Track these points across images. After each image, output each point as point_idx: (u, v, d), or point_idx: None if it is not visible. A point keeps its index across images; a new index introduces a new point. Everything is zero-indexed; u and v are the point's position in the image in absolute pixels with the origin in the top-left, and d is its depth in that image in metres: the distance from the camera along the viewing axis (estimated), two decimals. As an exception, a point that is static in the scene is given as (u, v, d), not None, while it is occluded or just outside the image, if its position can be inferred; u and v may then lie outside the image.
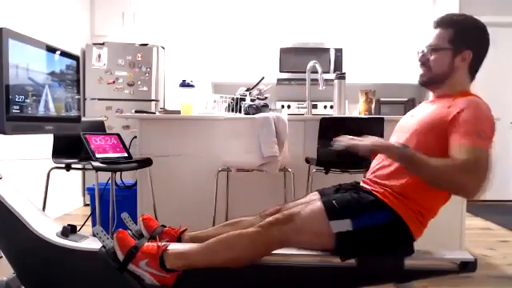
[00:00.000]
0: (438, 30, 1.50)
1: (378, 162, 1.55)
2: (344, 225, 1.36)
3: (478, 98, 1.42)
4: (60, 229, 1.57)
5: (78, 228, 1.63)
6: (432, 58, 1.49)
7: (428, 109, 1.49)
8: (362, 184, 1.59)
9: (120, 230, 1.50)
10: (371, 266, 1.44)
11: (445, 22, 1.50)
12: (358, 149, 1.43)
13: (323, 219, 1.38)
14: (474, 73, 1.51)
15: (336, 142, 1.50)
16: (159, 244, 1.46)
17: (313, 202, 1.48)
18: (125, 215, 1.75)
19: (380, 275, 1.46)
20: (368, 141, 1.44)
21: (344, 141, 1.49)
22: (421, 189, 1.38)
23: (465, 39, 1.45)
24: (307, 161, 2.39)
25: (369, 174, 1.58)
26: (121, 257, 1.42)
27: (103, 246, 1.47)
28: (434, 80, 1.51)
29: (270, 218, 1.42)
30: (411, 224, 1.39)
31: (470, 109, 1.35)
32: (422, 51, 1.54)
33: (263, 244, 1.39)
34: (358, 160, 1.58)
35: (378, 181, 1.48)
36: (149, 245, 1.46)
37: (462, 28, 1.47)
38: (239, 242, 1.40)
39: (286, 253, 1.49)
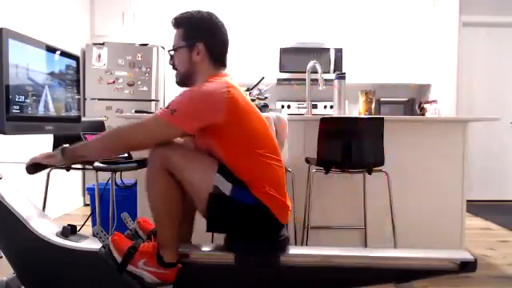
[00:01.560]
0: (175, 31, 1.57)
1: None
2: (225, 186, 1.39)
3: (214, 82, 1.45)
4: (60, 229, 1.57)
5: (78, 228, 1.63)
6: (176, 58, 1.57)
7: None
8: None
9: (116, 232, 1.51)
10: (244, 252, 1.46)
11: (176, 22, 1.57)
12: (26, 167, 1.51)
13: (211, 167, 1.41)
14: (218, 59, 1.56)
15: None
16: (154, 243, 1.47)
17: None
18: (125, 215, 1.75)
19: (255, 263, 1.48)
20: (38, 156, 1.52)
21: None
22: (240, 168, 1.41)
23: (193, 33, 1.52)
24: (307, 161, 2.39)
25: None
26: (118, 259, 1.43)
27: (103, 246, 1.47)
28: (183, 79, 1.57)
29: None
30: (272, 206, 1.41)
31: (185, 91, 1.43)
32: (170, 53, 1.60)
33: (161, 171, 1.41)
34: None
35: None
36: (145, 245, 1.48)
37: (188, 24, 1.54)
38: (151, 187, 1.44)
39: (287, 253, 1.49)
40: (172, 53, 1.58)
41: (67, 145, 1.49)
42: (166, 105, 1.42)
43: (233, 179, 1.40)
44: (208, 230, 1.47)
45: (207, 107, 1.38)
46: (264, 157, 1.44)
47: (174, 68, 1.59)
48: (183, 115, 1.37)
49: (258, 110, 1.57)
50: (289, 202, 1.49)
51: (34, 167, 1.50)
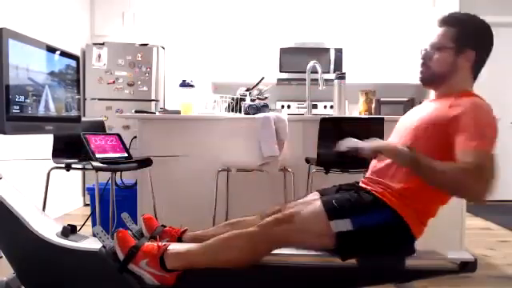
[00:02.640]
0: (442, 29, 1.48)
1: (377, 161, 1.55)
2: (344, 224, 1.36)
3: (480, 99, 1.41)
4: (60, 229, 1.57)
5: (78, 228, 1.63)
6: (434, 56, 1.47)
7: (429, 107, 1.49)
8: (361, 184, 1.59)
9: (120, 229, 1.50)
10: (372, 266, 1.44)
11: (450, 21, 1.48)
12: (363, 150, 1.44)
13: (323, 219, 1.37)
14: (476, 73, 1.50)
15: (339, 144, 1.49)
16: (159, 244, 1.46)
17: (313, 202, 1.48)
18: (125, 215, 1.75)
19: (381, 275, 1.46)
20: (372, 143, 1.44)
21: (347, 143, 1.48)
22: (421, 189, 1.37)
23: (469, 39, 1.43)
24: (307, 161, 2.39)
25: (368, 174, 1.58)
26: (121, 256, 1.42)
27: (103, 246, 1.47)
28: (434, 79, 1.49)
29: (270, 218, 1.42)
30: (411, 223, 1.39)
31: (473, 110, 1.33)
32: (425, 49, 1.52)
33: (263, 244, 1.39)
34: (357, 161, 1.58)
35: (378, 180, 1.48)
36: (149, 244, 1.46)
37: (466, 28, 1.46)
38: (239, 242, 1.40)
39: (287, 253, 1.49)
40: (428, 48, 1.50)
41: (406, 149, 1.36)
42: (467, 135, 1.30)
43: (352, 207, 1.38)
44: (342, 260, 1.42)
45: (495, 130, 1.38)
46: (445, 195, 1.45)
47: (427, 65, 1.49)
48: (490, 139, 1.35)
49: None
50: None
51: (374, 152, 1.44)
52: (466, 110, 1.34)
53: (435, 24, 1.52)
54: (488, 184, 1.30)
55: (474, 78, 1.51)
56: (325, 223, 1.37)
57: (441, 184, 1.32)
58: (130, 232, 1.68)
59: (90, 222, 2.61)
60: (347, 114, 3.24)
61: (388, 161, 1.47)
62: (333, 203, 1.41)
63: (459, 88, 1.46)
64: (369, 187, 1.49)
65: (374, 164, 1.57)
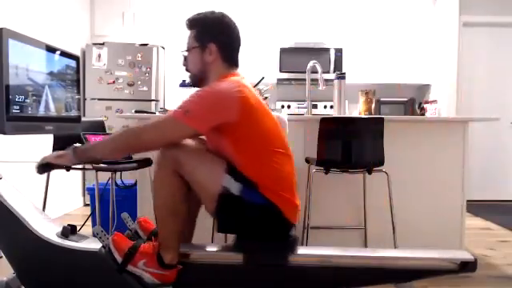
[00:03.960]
0: (188, 32, 1.58)
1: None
2: (234, 186, 1.39)
3: (226, 81, 1.46)
4: (60, 229, 1.57)
5: (78, 228, 1.63)
6: (188, 59, 1.59)
7: None
8: None
9: (116, 232, 1.51)
10: (253, 252, 1.46)
11: (189, 24, 1.58)
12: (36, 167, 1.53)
13: (219, 168, 1.41)
14: (230, 60, 1.56)
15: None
16: (155, 243, 1.47)
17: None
18: (125, 215, 1.75)
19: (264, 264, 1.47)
20: (48, 156, 1.53)
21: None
22: (249, 168, 1.41)
23: (206, 34, 1.53)
24: (307, 161, 2.39)
25: None
26: (119, 259, 1.43)
27: (103, 246, 1.47)
28: (196, 79, 1.59)
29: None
30: (282, 206, 1.41)
31: (198, 91, 1.44)
32: (183, 55, 1.62)
33: (169, 172, 1.42)
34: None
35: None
36: (145, 245, 1.48)
37: (201, 25, 1.55)
38: (158, 188, 1.45)
39: (287, 253, 1.50)
40: (185, 54, 1.59)
41: (78, 144, 1.49)
42: (179, 105, 1.41)
43: (242, 179, 1.40)
44: (219, 231, 1.47)
45: (219, 106, 1.39)
46: (275, 156, 1.44)
47: (187, 69, 1.60)
48: (196, 115, 1.38)
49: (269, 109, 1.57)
50: (298, 202, 1.49)
51: (44, 167, 1.51)
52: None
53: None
54: (150, 141, 1.42)
55: (231, 64, 1.57)
56: (220, 173, 1.40)
57: (122, 145, 1.44)
58: (129, 232, 1.69)
59: (90, 222, 2.61)
60: (347, 114, 3.24)
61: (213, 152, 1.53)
62: (235, 166, 1.42)
63: (217, 77, 1.52)
64: None
65: None
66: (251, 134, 1.42)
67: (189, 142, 1.49)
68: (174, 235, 1.45)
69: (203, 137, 1.58)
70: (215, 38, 1.53)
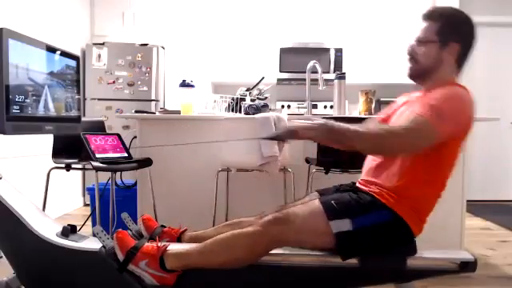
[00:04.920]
0: (426, 23, 1.49)
1: (370, 162, 1.55)
2: (343, 224, 1.36)
3: (459, 88, 1.41)
4: (60, 229, 1.57)
5: (78, 228, 1.63)
6: (419, 50, 1.49)
7: (416, 100, 1.50)
8: (358, 185, 1.59)
9: (120, 230, 1.50)
10: (373, 266, 1.44)
11: (433, 15, 1.49)
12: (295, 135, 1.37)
13: (322, 219, 1.37)
14: (460, 66, 1.51)
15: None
16: (159, 244, 1.46)
17: (312, 202, 1.48)
18: (125, 215, 1.75)
19: (382, 275, 1.46)
20: (296, 124, 1.37)
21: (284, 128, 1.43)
22: (414, 185, 1.39)
23: (452, 32, 1.44)
24: (307, 161, 2.39)
25: (363, 175, 1.58)
26: (121, 257, 1.43)
27: (103, 246, 1.47)
28: (421, 73, 1.50)
29: (269, 217, 1.41)
30: (410, 221, 1.39)
31: (442, 90, 1.36)
32: (411, 44, 1.53)
33: (261, 244, 1.39)
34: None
35: (373, 181, 1.48)
36: (148, 245, 1.46)
37: (449, 21, 1.46)
38: (237, 242, 1.40)
39: (286, 253, 1.49)
40: (413, 42, 1.51)
41: (333, 122, 1.32)
42: (425, 107, 1.31)
43: (352, 208, 1.37)
44: (343, 260, 1.41)
45: (465, 116, 1.34)
46: (441, 186, 1.45)
47: (414, 59, 1.51)
48: (447, 122, 1.30)
49: None
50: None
51: (291, 135, 1.36)
52: (435, 91, 1.38)
53: (420, 18, 1.52)
54: (406, 148, 1.33)
55: (459, 71, 1.51)
56: (324, 223, 1.37)
57: (370, 145, 1.34)
58: (129, 232, 1.69)
59: (90, 222, 2.61)
60: (347, 114, 3.24)
61: (379, 160, 1.49)
62: (332, 203, 1.40)
63: (445, 81, 1.46)
64: (366, 188, 1.49)
65: (367, 165, 1.57)
66: (449, 157, 1.39)
67: (288, 211, 1.43)
68: (200, 265, 1.42)
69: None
70: (460, 39, 1.44)
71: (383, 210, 1.38)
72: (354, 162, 2.20)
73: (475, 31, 1.47)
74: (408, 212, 1.39)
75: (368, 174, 1.54)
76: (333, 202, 1.41)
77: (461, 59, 1.48)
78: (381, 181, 1.44)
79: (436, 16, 1.47)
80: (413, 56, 1.51)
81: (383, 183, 1.43)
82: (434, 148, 1.33)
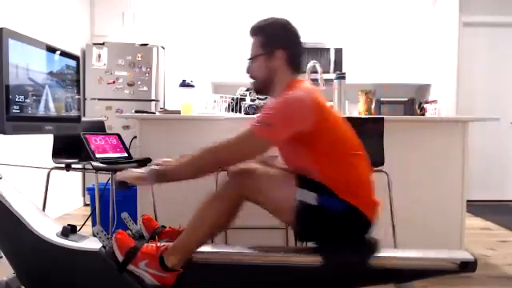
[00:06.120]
0: (252, 40, 1.58)
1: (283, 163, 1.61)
2: (309, 197, 1.38)
3: (297, 90, 1.46)
4: (60, 229, 1.57)
5: (78, 228, 1.63)
6: (253, 67, 1.57)
7: None
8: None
9: (119, 230, 1.50)
10: (334, 254, 1.45)
11: (254, 31, 1.57)
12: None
13: (289, 184, 1.41)
14: (296, 65, 1.58)
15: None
16: (158, 244, 1.46)
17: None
18: (125, 215, 1.75)
19: (345, 269, 1.47)
20: (128, 174, 1.47)
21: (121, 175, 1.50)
22: (333, 172, 1.42)
23: (273, 41, 1.53)
24: (307, 161, 2.39)
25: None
26: (120, 258, 1.43)
27: (103, 246, 1.47)
28: (261, 87, 1.59)
29: (235, 169, 1.45)
30: (362, 207, 1.41)
31: (274, 102, 1.44)
32: (247, 63, 1.60)
33: (230, 196, 1.43)
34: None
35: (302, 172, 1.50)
36: (148, 245, 1.47)
37: (266, 32, 1.55)
38: (211, 202, 1.44)
39: (285, 254, 1.49)
40: (249, 61, 1.59)
41: (156, 167, 1.47)
42: (256, 119, 1.41)
43: (318, 187, 1.40)
44: (299, 240, 1.47)
45: (298, 115, 1.39)
46: (352, 158, 1.45)
47: (252, 76, 1.60)
48: (277, 127, 1.38)
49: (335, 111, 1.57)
50: (377, 199, 1.49)
51: (124, 185, 1.49)
52: (276, 99, 1.47)
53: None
54: (236, 157, 1.42)
55: (295, 71, 1.58)
56: (291, 188, 1.40)
57: (199, 168, 1.44)
58: (129, 232, 1.69)
59: (90, 222, 2.61)
60: (347, 114, 3.24)
61: (288, 160, 1.55)
62: (305, 176, 1.43)
63: (284, 85, 1.52)
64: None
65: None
66: (328, 139, 1.43)
67: (256, 165, 1.48)
68: (194, 246, 1.45)
69: (269, 155, 1.58)
70: (282, 45, 1.53)
71: (336, 198, 1.40)
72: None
73: (295, 31, 1.58)
74: (353, 197, 1.40)
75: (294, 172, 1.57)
76: (305, 176, 1.44)
77: (291, 61, 1.56)
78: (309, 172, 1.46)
79: (257, 31, 1.57)
80: (250, 73, 1.59)
81: (313, 172, 1.45)
82: (301, 141, 1.41)
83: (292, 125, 1.39)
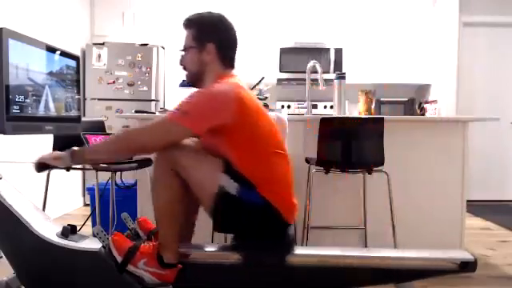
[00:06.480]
0: (186, 32, 1.60)
1: None
2: (231, 185, 1.39)
3: (224, 83, 1.47)
4: (60, 229, 1.57)
5: (78, 228, 1.63)
6: (186, 58, 1.60)
7: None
8: None
9: (115, 232, 1.51)
10: (251, 251, 1.46)
11: (187, 23, 1.60)
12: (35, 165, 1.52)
13: (216, 167, 1.42)
14: (227, 60, 1.58)
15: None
16: (155, 243, 1.47)
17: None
18: (125, 215, 1.75)
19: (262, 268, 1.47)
20: (45, 156, 1.52)
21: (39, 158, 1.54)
22: (248, 169, 1.42)
23: (204, 34, 1.55)
24: (307, 161, 2.39)
25: None
26: (119, 259, 1.44)
27: (103, 246, 1.47)
28: (193, 78, 1.60)
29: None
30: (279, 206, 1.41)
31: (194, 93, 1.45)
32: (181, 54, 1.62)
33: (167, 174, 1.43)
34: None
35: None
36: (145, 245, 1.49)
37: (199, 25, 1.57)
38: (158, 192, 1.46)
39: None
40: (183, 53, 1.61)
41: (76, 147, 1.49)
42: (176, 106, 1.42)
43: (240, 179, 1.41)
44: (215, 230, 1.48)
45: (217, 108, 1.40)
46: (272, 156, 1.46)
47: (184, 68, 1.61)
48: (193, 116, 1.38)
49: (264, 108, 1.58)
50: (295, 201, 1.49)
51: (41, 166, 1.51)
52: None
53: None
54: (148, 142, 1.42)
55: (227, 65, 1.58)
56: (216, 171, 1.41)
57: (112, 151, 1.45)
58: (130, 232, 1.69)
59: (90, 222, 2.61)
60: (347, 114, 3.24)
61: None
62: (233, 167, 1.43)
63: (214, 78, 1.53)
64: None
65: None
66: (247, 135, 1.43)
67: (186, 141, 1.49)
68: (173, 234, 1.46)
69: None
70: (213, 39, 1.54)
71: (255, 192, 1.40)
72: (354, 161, 2.21)
73: (225, 25, 1.58)
74: (271, 194, 1.41)
75: None
76: (234, 166, 1.44)
77: (223, 55, 1.56)
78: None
79: (190, 24, 1.59)
80: (183, 65, 1.61)
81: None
82: (221, 134, 1.42)
83: (209, 116, 1.39)
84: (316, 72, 2.85)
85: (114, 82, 4.19)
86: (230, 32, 1.58)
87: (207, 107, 1.39)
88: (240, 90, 1.44)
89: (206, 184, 1.41)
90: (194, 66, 1.57)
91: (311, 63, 2.87)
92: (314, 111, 4.45)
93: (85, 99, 4.17)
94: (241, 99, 1.42)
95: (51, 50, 1.73)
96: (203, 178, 1.42)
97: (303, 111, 4.44)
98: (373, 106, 2.92)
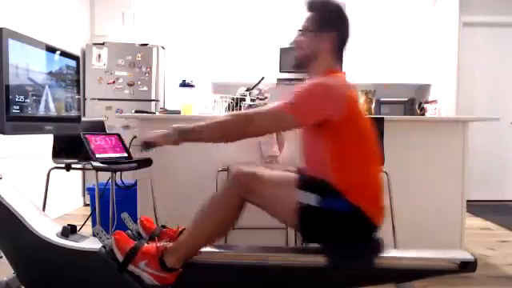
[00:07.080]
0: (307, 14, 1.56)
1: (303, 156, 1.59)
2: (310, 198, 1.37)
3: (333, 78, 1.45)
4: (60, 229, 1.57)
5: (78, 228, 1.63)
6: (301, 39, 1.55)
7: None
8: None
9: (118, 231, 1.50)
10: (339, 255, 1.44)
11: (311, 5, 1.56)
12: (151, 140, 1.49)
13: (291, 186, 1.39)
14: (339, 53, 1.56)
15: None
16: (158, 245, 1.46)
17: (288, 173, 1.51)
18: (125, 215, 1.75)
19: (348, 270, 1.46)
20: (152, 134, 1.49)
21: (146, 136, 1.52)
22: (346, 172, 1.40)
23: (329, 21, 1.52)
24: (307, 161, 2.39)
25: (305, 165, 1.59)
26: (120, 258, 1.43)
27: (103, 246, 1.47)
28: (303, 61, 1.55)
29: (235, 171, 1.44)
30: (368, 210, 1.38)
31: (308, 84, 1.41)
32: (296, 34, 1.58)
33: (234, 197, 1.41)
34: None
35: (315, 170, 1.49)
36: (148, 246, 1.47)
37: (325, 10, 1.53)
38: (214, 202, 1.43)
39: (283, 254, 1.49)
40: (298, 32, 1.56)
41: (178, 125, 1.47)
42: (288, 97, 1.39)
43: (321, 188, 1.38)
44: (305, 241, 1.46)
45: (327, 102, 1.37)
46: (368, 159, 1.44)
47: (296, 48, 1.56)
48: (304, 108, 1.37)
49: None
50: (383, 204, 1.46)
51: (148, 145, 1.49)
52: (308, 82, 1.43)
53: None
54: (255, 130, 1.41)
55: (338, 58, 1.56)
56: (291, 190, 1.38)
57: (221, 133, 1.44)
58: (130, 232, 1.69)
59: (90, 222, 2.61)
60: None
61: (307, 154, 1.53)
62: (307, 177, 1.43)
63: (324, 69, 1.51)
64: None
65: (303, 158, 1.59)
66: (351, 135, 1.41)
67: (257, 168, 1.46)
68: (195, 249, 1.45)
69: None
70: (337, 28, 1.51)
71: (343, 199, 1.38)
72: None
73: (348, 20, 1.55)
74: (362, 200, 1.38)
75: (308, 167, 1.55)
76: (308, 177, 1.43)
77: (338, 47, 1.54)
78: (322, 175, 1.44)
79: (316, 7, 1.55)
80: (296, 44, 1.56)
81: (327, 178, 1.42)
82: (326, 129, 1.39)
83: (319, 110, 1.37)
84: (316, 72, 2.85)
85: (113, 82, 4.19)
86: (349, 24, 1.55)
87: (318, 100, 1.37)
88: (351, 88, 1.44)
89: (284, 206, 1.39)
90: (309, 49, 1.52)
91: (311, 63, 2.87)
92: (314, 111, 4.45)
93: (85, 99, 4.17)
94: (351, 98, 1.42)
95: (51, 49, 1.73)
96: (280, 202, 1.40)
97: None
98: (373, 106, 2.92)
